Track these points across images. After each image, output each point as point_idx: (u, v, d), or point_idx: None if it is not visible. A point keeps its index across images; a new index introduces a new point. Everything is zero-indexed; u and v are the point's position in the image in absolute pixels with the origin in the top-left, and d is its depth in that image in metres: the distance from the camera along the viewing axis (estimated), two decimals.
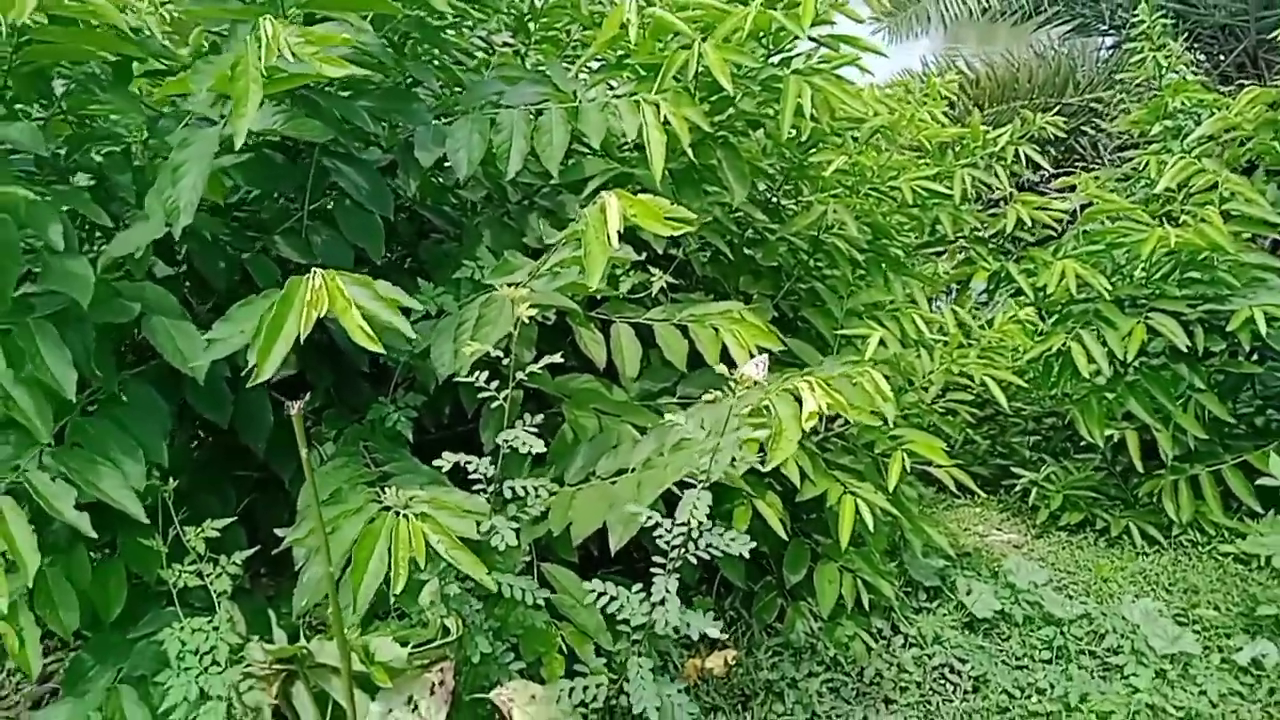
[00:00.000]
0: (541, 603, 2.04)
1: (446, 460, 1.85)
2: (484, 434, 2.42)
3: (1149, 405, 3.80)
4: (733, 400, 1.85)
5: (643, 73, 2.73)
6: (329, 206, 2.54)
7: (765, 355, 2.00)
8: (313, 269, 1.73)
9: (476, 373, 1.88)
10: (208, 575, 2.02)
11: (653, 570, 1.92)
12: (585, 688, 1.99)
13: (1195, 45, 9.28)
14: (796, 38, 2.73)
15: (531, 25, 3.51)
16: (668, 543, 1.89)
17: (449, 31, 3.04)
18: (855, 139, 3.56)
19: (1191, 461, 3.91)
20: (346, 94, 2.46)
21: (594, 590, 1.94)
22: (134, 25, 1.99)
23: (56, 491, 1.89)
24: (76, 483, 1.91)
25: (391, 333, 1.83)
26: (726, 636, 2.95)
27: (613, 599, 1.92)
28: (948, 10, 9.82)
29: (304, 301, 1.67)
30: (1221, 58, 9.19)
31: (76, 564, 2.04)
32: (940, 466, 3.17)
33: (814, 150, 3.37)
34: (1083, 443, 4.16)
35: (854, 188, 3.48)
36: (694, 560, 1.92)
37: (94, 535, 1.90)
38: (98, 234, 2.32)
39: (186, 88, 1.93)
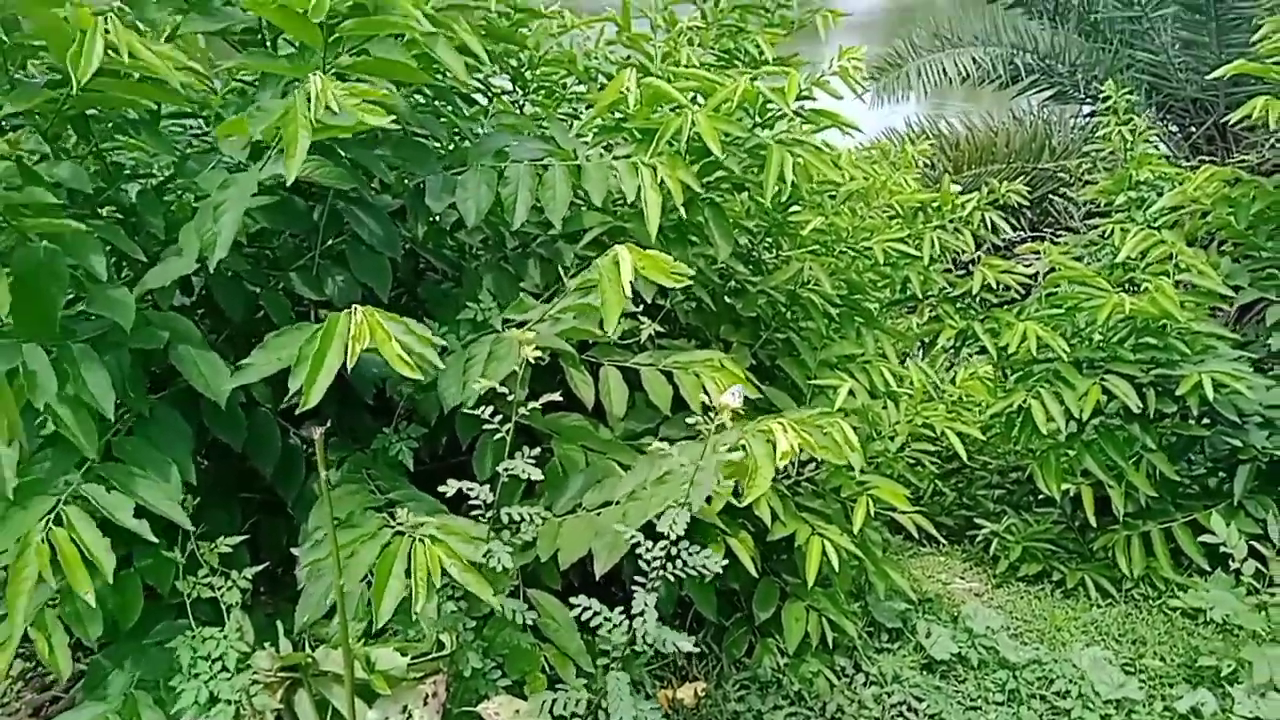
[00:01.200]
0: (530, 623, 2.20)
1: (451, 486, 2.02)
2: (478, 465, 2.57)
3: (1104, 463, 3.99)
4: (711, 432, 2.03)
5: (638, 136, 2.93)
6: (340, 247, 2.71)
7: (740, 387, 2.18)
8: (352, 306, 1.92)
9: (482, 407, 2.05)
10: (219, 588, 2.17)
11: (633, 589, 2.09)
12: (565, 701, 2.15)
13: (1167, 116, 9.62)
14: (781, 109, 2.95)
15: (528, 74, 3.71)
16: (648, 562, 2.07)
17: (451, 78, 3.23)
18: (833, 198, 3.77)
19: (1144, 518, 4.10)
20: (363, 144, 2.63)
21: (580, 606, 2.11)
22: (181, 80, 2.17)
23: (114, 501, 2.06)
24: (123, 494, 2.07)
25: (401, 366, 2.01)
26: (698, 667, 3.11)
27: (596, 614, 2.08)
28: (928, 77, 10.15)
29: (345, 335, 1.85)
30: (1193, 129, 9.51)
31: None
32: (904, 513, 3.34)
33: (794, 210, 3.57)
34: (1042, 496, 4.35)
35: (830, 246, 3.69)
36: (672, 579, 2.08)
37: (154, 539, 2.06)
38: (124, 266, 2.48)
39: (243, 130, 2.11)
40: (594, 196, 2.63)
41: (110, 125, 2.51)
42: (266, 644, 2.11)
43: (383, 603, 1.91)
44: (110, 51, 1.96)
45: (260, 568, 2.31)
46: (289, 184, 2.11)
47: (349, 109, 2.04)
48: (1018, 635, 3.67)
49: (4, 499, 2.05)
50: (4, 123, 2.28)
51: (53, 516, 2.04)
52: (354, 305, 1.96)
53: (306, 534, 2.26)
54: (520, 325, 2.45)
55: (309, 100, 2.04)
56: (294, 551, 2.19)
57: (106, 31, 1.96)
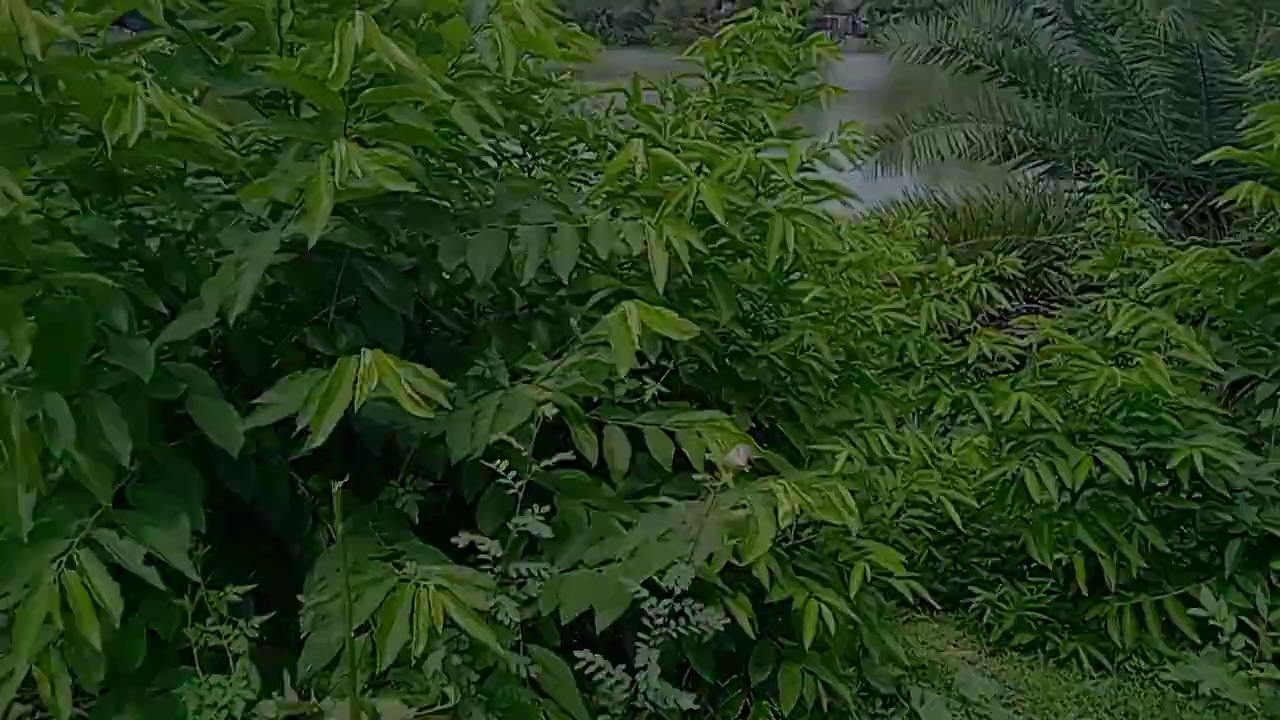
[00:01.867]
0: (533, 677, 2.23)
1: (462, 539, 2.07)
2: (481, 520, 2.61)
3: (1097, 533, 4.03)
4: (714, 490, 2.09)
5: (645, 203, 3.03)
6: (353, 303, 2.77)
7: (746, 447, 2.24)
8: (361, 349, 1.98)
9: (497, 461, 2.11)
10: (226, 636, 2.21)
11: (636, 645, 2.13)
12: None
13: (1160, 194, 9.80)
14: (783, 179, 3.06)
15: (539, 140, 3.82)
16: (651, 619, 2.11)
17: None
18: (833, 265, 3.86)
19: (1136, 590, 4.11)
20: (379, 205, 2.71)
21: (583, 659, 2.14)
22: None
23: (126, 547, 2.11)
24: (134, 541, 2.12)
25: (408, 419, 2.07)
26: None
27: (599, 669, 2.12)
28: (922, 152, 10.36)
29: (354, 377, 1.92)
30: (1185, 207, 9.68)
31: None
32: (900, 578, 3.38)
33: (796, 277, 3.65)
34: (1035, 565, 4.37)
35: (830, 314, 3.77)
36: (674, 636, 2.12)
37: (162, 587, 2.10)
38: (145, 318, 2.54)
39: (266, 193, 2.20)
40: (600, 251, 2.71)
41: (136, 182, 2.59)
42: (274, 693, 2.14)
43: (386, 648, 1.95)
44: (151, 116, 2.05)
45: (267, 617, 2.34)
46: (311, 244, 2.18)
47: (372, 174, 2.12)
48: (1011, 704, 3.68)
49: (18, 541, 2.09)
50: (38, 178, 2.36)
51: (65, 560, 2.08)
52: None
53: (312, 583, 2.29)
54: (531, 377, 2.52)
55: (333, 166, 2.13)
56: (300, 599, 2.23)
57: (147, 96, 2.05)
